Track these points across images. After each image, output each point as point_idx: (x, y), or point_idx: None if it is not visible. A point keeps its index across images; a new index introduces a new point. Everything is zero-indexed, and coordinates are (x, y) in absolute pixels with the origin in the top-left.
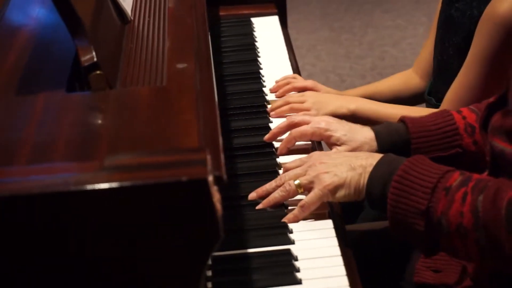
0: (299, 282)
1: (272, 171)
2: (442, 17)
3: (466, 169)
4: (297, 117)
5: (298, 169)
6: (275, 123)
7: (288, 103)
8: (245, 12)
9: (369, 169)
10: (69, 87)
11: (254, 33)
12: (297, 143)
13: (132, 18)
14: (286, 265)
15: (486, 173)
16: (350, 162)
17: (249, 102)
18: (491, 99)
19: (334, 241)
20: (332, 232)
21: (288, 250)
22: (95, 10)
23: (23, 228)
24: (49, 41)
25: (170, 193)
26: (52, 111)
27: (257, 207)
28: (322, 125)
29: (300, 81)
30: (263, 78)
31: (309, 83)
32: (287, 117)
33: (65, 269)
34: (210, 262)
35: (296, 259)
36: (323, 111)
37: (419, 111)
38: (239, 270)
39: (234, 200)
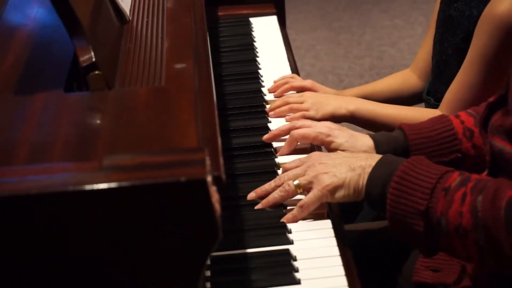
0: (297, 282)
1: (271, 171)
2: (441, 17)
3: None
4: (298, 122)
5: (297, 169)
6: (274, 123)
7: (287, 103)
8: (244, 12)
9: (368, 169)
10: (67, 87)
11: (253, 33)
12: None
13: (130, 18)
14: (285, 265)
15: (485, 173)
16: (350, 163)
17: (247, 102)
18: (492, 99)
19: (333, 241)
20: (331, 232)
21: (287, 250)
22: (93, 10)
23: (21, 228)
24: (48, 41)
25: (169, 193)
26: (51, 111)
27: (256, 207)
28: (324, 130)
29: (298, 81)
30: (262, 78)
31: (307, 82)
32: (288, 119)
33: (64, 269)
34: (209, 262)
35: (295, 259)
36: (322, 111)
37: (418, 111)
38: (238, 270)
39: (233, 200)
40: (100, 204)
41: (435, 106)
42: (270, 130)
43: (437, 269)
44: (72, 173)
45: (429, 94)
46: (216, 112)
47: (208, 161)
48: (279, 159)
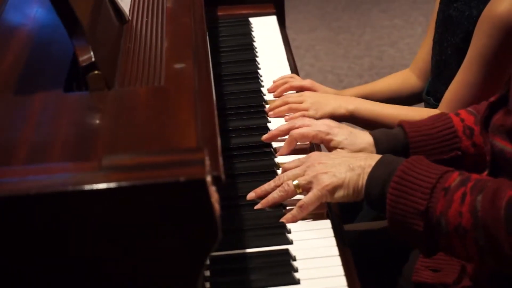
0: (297, 282)
1: (270, 171)
2: (440, 17)
3: (466, 171)
4: (298, 122)
5: (297, 169)
6: (273, 123)
7: (286, 103)
8: (243, 12)
9: (368, 169)
10: (67, 87)
11: (252, 33)
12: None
13: (130, 18)
14: (284, 265)
15: (485, 173)
16: (349, 163)
17: (247, 102)
18: (493, 98)
19: (332, 241)
20: (330, 232)
21: (286, 250)
22: (93, 10)
23: (21, 228)
24: (47, 41)
25: (168, 193)
26: (50, 111)
27: (255, 207)
28: (323, 128)
29: (297, 81)
30: (261, 78)
31: (306, 82)
32: (287, 119)
33: (64, 269)
34: (208, 262)
35: (294, 259)
36: (322, 111)
37: (418, 110)
38: (237, 270)
39: (233, 200)
40: (100, 204)
41: (435, 106)
42: (269, 130)
43: (437, 269)
44: (72, 173)
45: (429, 94)
46: (215, 112)
47: (207, 161)
48: (279, 159)
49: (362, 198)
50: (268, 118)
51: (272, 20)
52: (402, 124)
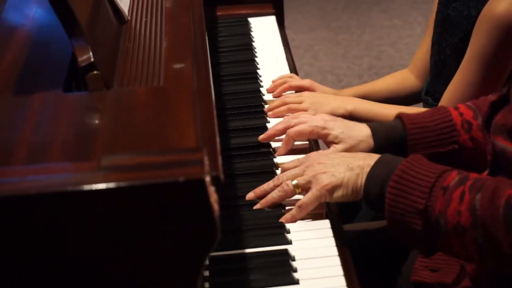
0: (296, 282)
1: (269, 171)
2: (439, 17)
3: (464, 166)
4: (293, 120)
5: (296, 169)
6: (273, 123)
7: (285, 103)
8: (243, 12)
9: (367, 169)
10: (66, 87)
11: (252, 33)
12: (295, 143)
13: (129, 18)
14: (283, 265)
15: (486, 172)
16: (348, 163)
17: (246, 102)
18: (494, 98)
19: (332, 241)
20: (330, 232)
21: (286, 250)
22: (92, 10)
23: (20, 228)
24: (46, 41)
25: (167, 193)
26: (49, 111)
27: (254, 207)
28: (319, 123)
29: (296, 80)
30: (260, 78)
31: (306, 82)
32: (284, 118)
33: (64, 269)
34: (207, 262)
35: (294, 259)
36: (321, 111)
37: (416, 111)
38: (236, 270)
39: (232, 200)
40: (99, 204)
41: (433, 106)
42: None
43: (436, 269)
44: (71, 173)
45: (428, 94)
46: (214, 112)
47: (206, 161)
48: (278, 159)
49: (361, 198)
50: (267, 118)
51: (271, 20)
52: (400, 116)
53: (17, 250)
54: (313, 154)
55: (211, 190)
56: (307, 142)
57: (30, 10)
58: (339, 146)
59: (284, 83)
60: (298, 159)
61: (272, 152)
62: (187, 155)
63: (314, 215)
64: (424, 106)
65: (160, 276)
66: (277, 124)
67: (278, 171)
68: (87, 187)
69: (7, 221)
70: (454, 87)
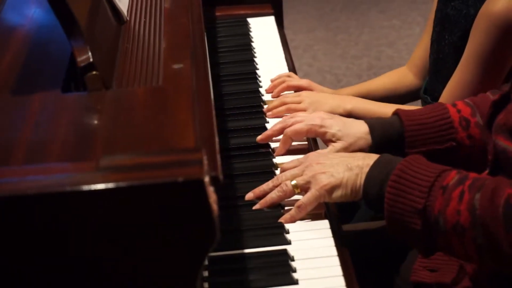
0: (295, 282)
1: (268, 171)
2: (438, 15)
3: (461, 164)
4: (290, 120)
5: (295, 169)
6: (272, 123)
7: (284, 103)
8: (242, 12)
9: (366, 169)
10: (65, 87)
11: (251, 33)
12: (294, 143)
13: (128, 19)
14: (282, 265)
15: (486, 172)
16: (347, 163)
17: (245, 102)
18: (495, 97)
19: (331, 241)
20: (329, 232)
21: (285, 250)
22: (91, 11)
23: (20, 228)
24: (45, 41)
25: (166, 193)
26: (48, 112)
27: (253, 207)
28: (317, 121)
29: (295, 80)
30: (260, 79)
31: (304, 82)
32: (282, 118)
33: (64, 269)
34: (206, 262)
35: (293, 259)
36: (320, 110)
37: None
38: (235, 271)
39: (231, 200)
40: (98, 204)
41: None
42: None
43: (435, 269)
44: (70, 173)
45: (426, 93)
46: (213, 112)
47: (205, 161)
48: (277, 159)
49: (360, 198)
50: (266, 118)
51: (270, 20)
52: (398, 113)
53: (16, 250)
54: (312, 154)
55: (210, 190)
56: (306, 142)
57: (29, 10)
58: (337, 144)
59: (283, 82)
60: (297, 159)
61: (271, 153)
62: (186, 155)
63: (313, 215)
64: (423, 105)
65: (159, 276)
66: (274, 124)
67: (277, 171)
68: (86, 187)
69: (7, 221)
70: (452, 85)
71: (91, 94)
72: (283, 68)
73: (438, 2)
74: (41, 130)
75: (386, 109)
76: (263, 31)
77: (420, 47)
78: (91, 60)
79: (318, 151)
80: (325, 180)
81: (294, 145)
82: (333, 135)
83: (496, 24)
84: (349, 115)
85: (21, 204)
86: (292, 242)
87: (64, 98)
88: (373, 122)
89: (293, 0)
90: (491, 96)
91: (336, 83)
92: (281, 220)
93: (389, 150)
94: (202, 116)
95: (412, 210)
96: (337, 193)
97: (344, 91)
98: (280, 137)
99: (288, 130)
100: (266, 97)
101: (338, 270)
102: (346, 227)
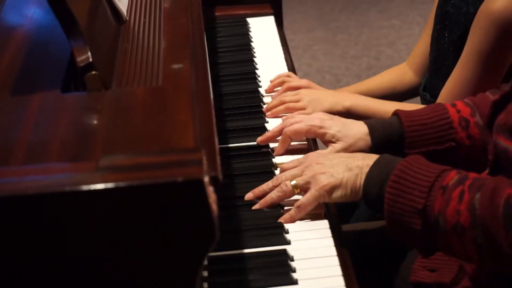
0: (295, 282)
1: (268, 171)
2: (439, 13)
3: (461, 164)
4: (290, 120)
5: (294, 169)
6: (271, 123)
7: (283, 102)
8: (241, 12)
9: (366, 169)
10: (64, 87)
11: (250, 33)
12: (294, 143)
13: (127, 18)
14: (282, 265)
15: (486, 172)
16: (347, 163)
17: (245, 102)
18: (496, 97)
19: (330, 241)
20: (328, 232)
21: (284, 250)
22: (90, 11)
23: (19, 228)
24: (45, 41)
25: (166, 193)
26: (48, 112)
27: (253, 207)
28: (316, 122)
29: (295, 81)
30: (259, 79)
31: (303, 82)
32: (284, 119)
33: (63, 269)
34: (206, 262)
35: (292, 259)
36: (319, 108)
37: (415, 108)
38: (235, 271)
39: (231, 200)
40: (98, 204)
41: (431, 102)
42: (267, 130)
43: (435, 269)
44: (70, 174)
45: (426, 90)
46: (213, 112)
47: (205, 161)
48: (277, 159)
49: (360, 198)
50: (266, 118)
51: (270, 20)
52: (397, 113)
53: (16, 250)
54: (312, 154)
55: (210, 190)
56: (306, 142)
57: (29, 11)
58: (337, 145)
59: (282, 82)
60: (297, 160)
61: (271, 152)
62: (185, 155)
63: (313, 215)
64: (422, 102)
65: (159, 276)
66: (275, 126)
67: (277, 171)
68: (86, 187)
69: (6, 221)
70: (451, 83)
71: (90, 94)
72: (283, 68)
73: (439, 0)
74: (41, 130)
75: (385, 107)
76: (262, 31)
77: (420, 44)
78: (90, 60)
79: (318, 151)
80: (325, 180)
81: (294, 145)
82: (333, 136)
83: (496, 22)
84: (348, 112)
85: (21, 204)
86: (291, 242)
87: (63, 98)
88: (373, 123)
89: (292, 0)
90: (490, 96)
91: (335, 83)
92: (280, 220)
93: (389, 151)
94: (201, 116)
95: (412, 210)
96: (337, 194)
97: (344, 90)
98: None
99: (287, 130)
100: (266, 97)
101: (338, 270)
102: (346, 227)
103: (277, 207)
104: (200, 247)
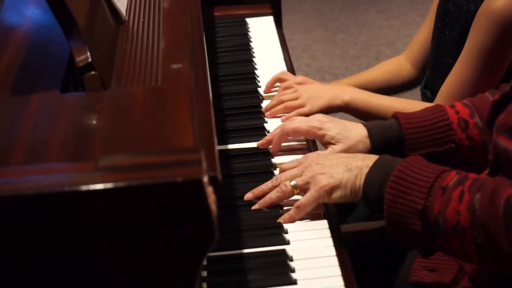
0: (294, 282)
1: (268, 171)
2: (440, 11)
3: (460, 165)
4: (289, 122)
5: (294, 169)
6: (271, 123)
7: (282, 101)
8: (240, 12)
9: (365, 170)
10: (64, 87)
11: (249, 33)
12: (293, 143)
13: (126, 19)
14: (281, 266)
15: (485, 172)
16: (347, 163)
17: (244, 102)
18: (496, 97)
19: (329, 241)
20: (327, 232)
21: (283, 251)
22: (89, 11)
23: (19, 228)
24: (44, 41)
25: (165, 193)
26: (47, 112)
27: (252, 208)
28: (316, 124)
29: (290, 79)
30: (258, 79)
31: (299, 79)
32: (283, 119)
33: (62, 270)
34: (205, 262)
35: (291, 260)
36: (318, 104)
37: (413, 103)
38: (234, 271)
39: (230, 200)
40: (97, 205)
41: (432, 100)
42: (266, 130)
43: (434, 269)
44: (69, 174)
45: (426, 88)
46: (212, 112)
47: (204, 161)
48: (276, 160)
49: (359, 199)
50: (265, 118)
51: (269, 20)
52: (396, 116)
53: (16, 250)
54: (312, 154)
55: (209, 190)
56: (305, 142)
57: (28, 11)
58: (337, 147)
59: (277, 79)
60: (296, 160)
61: (270, 153)
62: (185, 155)
63: (312, 216)
64: (422, 99)
65: (158, 276)
66: (275, 129)
67: (277, 172)
68: (85, 187)
69: (6, 221)
70: (451, 81)
71: (90, 94)
72: (282, 68)
73: None
74: (41, 130)
75: (385, 102)
76: (261, 31)
77: (418, 37)
78: (89, 60)
79: (318, 151)
80: (325, 180)
81: (293, 145)
82: (332, 138)
83: (496, 21)
84: (347, 106)
85: (21, 204)
86: (291, 242)
87: (63, 98)
88: (372, 126)
89: (292, 0)
90: (489, 96)
91: None
92: (280, 220)
93: (388, 153)
94: (201, 116)
95: (411, 211)
96: (337, 194)
97: (342, 82)
98: None
99: (286, 126)
100: (266, 99)
101: (337, 270)
102: (345, 227)
103: (277, 207)
104: (200, 247)
